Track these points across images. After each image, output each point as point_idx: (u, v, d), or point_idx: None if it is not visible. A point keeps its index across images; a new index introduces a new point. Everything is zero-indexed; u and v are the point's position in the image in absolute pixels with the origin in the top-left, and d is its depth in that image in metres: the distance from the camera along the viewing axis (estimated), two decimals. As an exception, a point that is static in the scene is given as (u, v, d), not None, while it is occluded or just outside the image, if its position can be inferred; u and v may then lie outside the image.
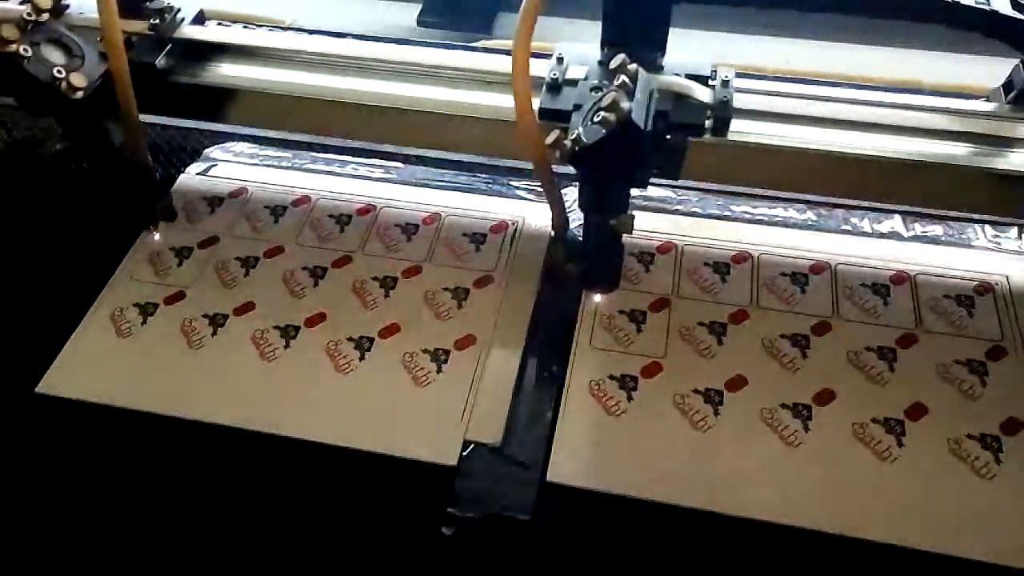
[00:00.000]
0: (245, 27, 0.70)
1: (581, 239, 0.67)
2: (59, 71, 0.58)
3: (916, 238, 0.74)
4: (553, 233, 0.67)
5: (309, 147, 0.85)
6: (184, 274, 0.73)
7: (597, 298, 0.70)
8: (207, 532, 0.59)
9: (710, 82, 0.58)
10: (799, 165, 0.61)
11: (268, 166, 0.84)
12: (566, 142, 0.51)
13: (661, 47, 0.59)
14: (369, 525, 0.58)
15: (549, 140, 0.52)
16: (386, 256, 0.74)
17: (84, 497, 0.60)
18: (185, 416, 0.63)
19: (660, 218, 0.77)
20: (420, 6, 0.88)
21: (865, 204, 0.76)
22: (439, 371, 0.65)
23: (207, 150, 0.85)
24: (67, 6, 0.63)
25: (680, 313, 0.68)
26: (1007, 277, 0.70)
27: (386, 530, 0.58)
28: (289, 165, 0.84)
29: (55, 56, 0.59)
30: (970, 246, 0.73)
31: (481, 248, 0.74)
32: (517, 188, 0.81)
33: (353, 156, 0.85)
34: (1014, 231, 0.74)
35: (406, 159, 0.84)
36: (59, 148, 0.68)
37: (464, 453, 0.60)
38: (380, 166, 0.84)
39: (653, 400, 0.63)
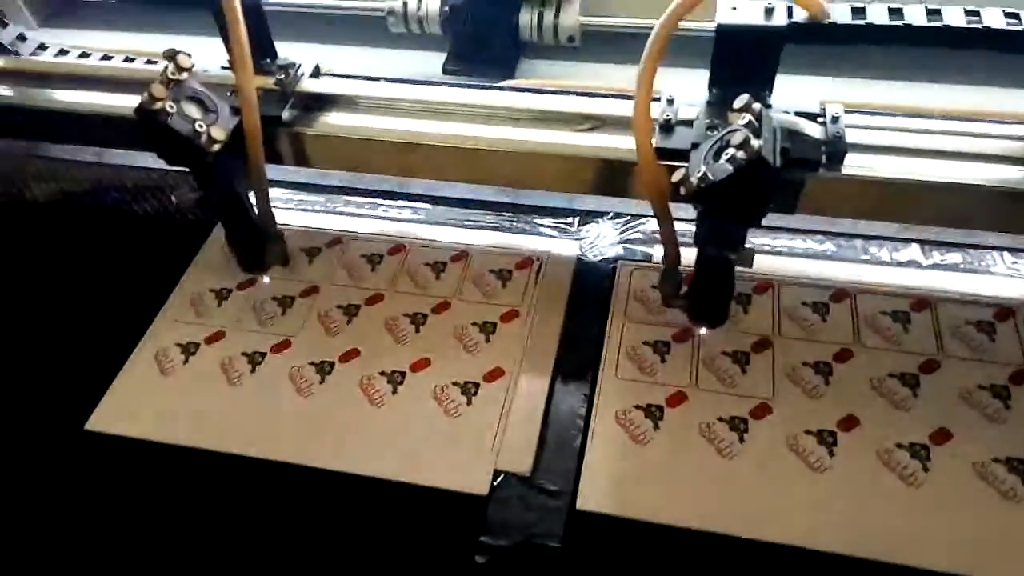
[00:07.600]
0: (355, 79, 0.72)
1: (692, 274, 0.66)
2: (200, 125, 0.62)
3: (935, 266, 0.75)
4: (664, 268, 0.66)
5: (340, 191, 0.89)
6: (224, 315, 0.76)
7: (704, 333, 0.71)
8: (246, 562, 0.60)
9: (818, 119, 0.60)
10: (909, 196, 0.61)
11: (302, 210, 0.87)
12: (692, 179, 0.52)
13: (769, 86, 0.60)
14: (404, 554, 0.60)
15: (675, 178, 0.54)
16: (416, 293, 0.77)
17: (134, 531, 0.63)
18: (225, 450, 0.65)
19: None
20: (445, 55, 0.92)
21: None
22: (469, 403, 0.67)
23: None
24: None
25: (705, 343, 0.70)
26: (1028, 302, 0.71)
27: (421, 559, 0.59)
28: (323, 208, 0.87)
29: (193, 111, 0.62)
30: (990, 272, 0.74)
31: (507, 284, 0.77)
32: (541, 225, 0.83)
33: (383, 199, 0.88)
34: (1033, 257, 0.75)
35: (434, 200, 0.87)
36: (192, 197, 0.70)
37: (495, 483, 0.62)
38: (409, 207, 0.87)
39: (679, 429, 0.64)
